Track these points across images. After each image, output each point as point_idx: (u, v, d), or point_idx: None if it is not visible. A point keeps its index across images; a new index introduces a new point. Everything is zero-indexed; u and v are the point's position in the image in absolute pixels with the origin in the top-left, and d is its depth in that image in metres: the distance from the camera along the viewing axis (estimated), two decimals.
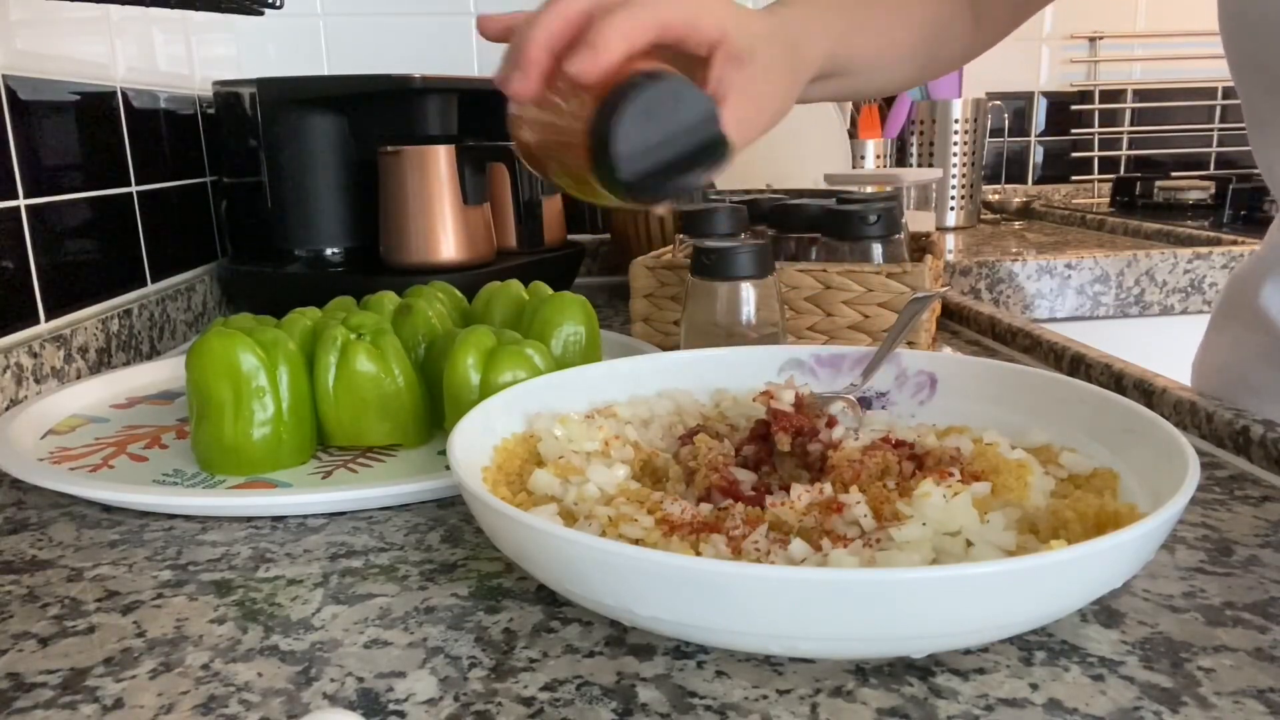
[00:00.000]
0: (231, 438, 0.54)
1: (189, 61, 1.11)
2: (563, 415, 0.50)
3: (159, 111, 0.99)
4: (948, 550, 0.37)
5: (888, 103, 1.64)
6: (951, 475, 0.41)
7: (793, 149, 1.36)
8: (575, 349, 0.63)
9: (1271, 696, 0.32)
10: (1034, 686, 0.33)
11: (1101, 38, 1.74)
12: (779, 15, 0.54)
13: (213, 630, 0.39)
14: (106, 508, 0.52)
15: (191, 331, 1.00)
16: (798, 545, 0.37)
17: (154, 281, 0.95)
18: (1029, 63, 1.75)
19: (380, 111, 0.98)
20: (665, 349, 0.69)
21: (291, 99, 0.98)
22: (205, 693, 0.34)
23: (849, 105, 1.58)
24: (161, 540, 0.48)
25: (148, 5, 0.69)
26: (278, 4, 0.76)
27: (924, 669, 0.34)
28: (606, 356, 0.64)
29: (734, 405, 0.55)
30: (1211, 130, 1.80)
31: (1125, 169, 1.80)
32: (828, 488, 0.41)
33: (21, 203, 0.74)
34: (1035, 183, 1.81)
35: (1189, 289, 1.24)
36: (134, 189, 0.92)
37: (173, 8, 0.71)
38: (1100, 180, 1.80)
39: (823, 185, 1.27)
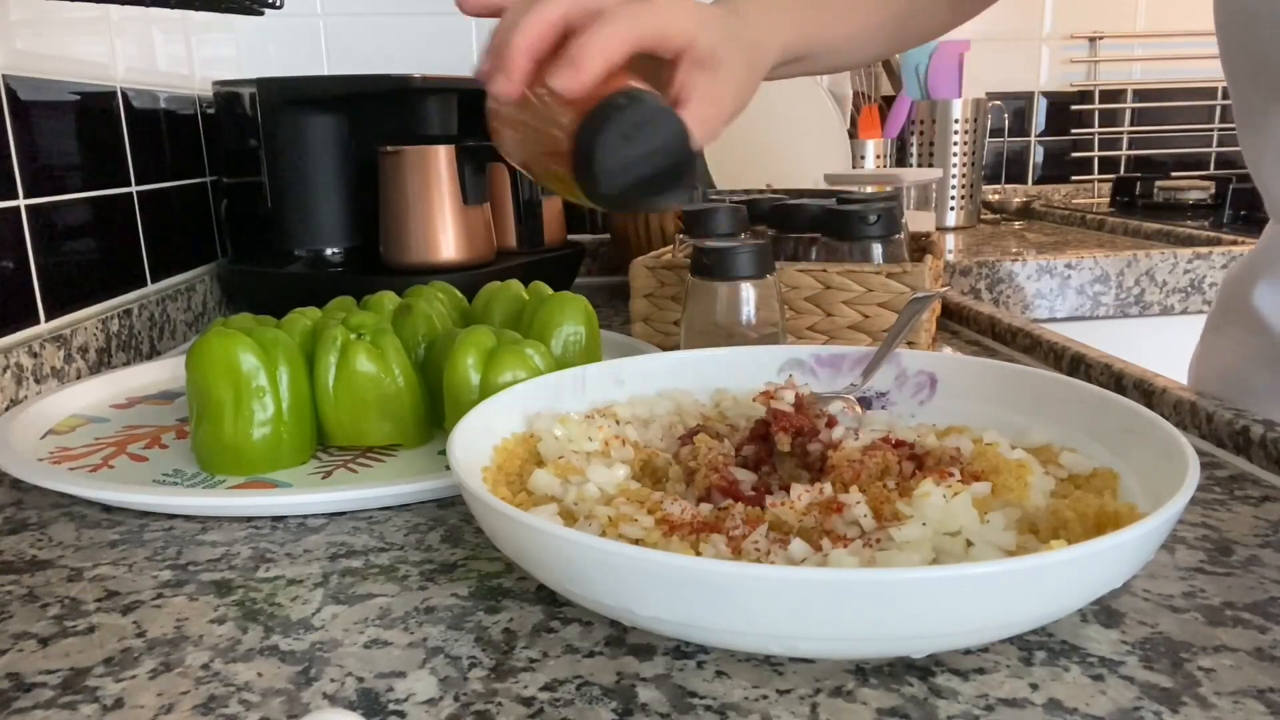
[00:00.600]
0: (231, 438, 0.54)
1: (189, 61, 1.11)
2: (563, 415, 0.50)
3: (159, 111, 0.99)
4: (948, 550, 0.37)
5: (888, 102, 1.64)
6: (951, 475, 0.41)
7: (793, 149, 1.37)
8: (575, 349, 0.63)
9: (1271, 696, 0.32)
10: (1034, 686, 0.33)
11: (1101, 38, 1.74)
12: (740, 15, 0.55)
13: (213, 630, 0.39)
14: (106, 508, 0.52)
15: (191, 331, 1.00)
16: (798, 545, 0.37)
17: (154, 281, 0.95)
18: (1029, 63, 1.75)
19: (380, 111, 0.97)
20: (665, 349, 0.69)
21: (291, 99, 0.98)
22: (205, 693, 0.34)
23: (849, 105, 1.58)
24: (161, 540, 0.48)
25: (148, 5, 0.69)
26: (278, 4, 0.76)
27: (924, 669, 0.34)
28: (606, 356, 0.64)
29: (734, 405, 0.55)
30: (1211, 130, 1.80)
31: (1125, 169, 1.80)
32: (828, 488, 0.41)
33: (21, 203, 0.74)
34: (1035, 183, 1.81)
35: (1189, 289, 1.24)
36: (134, 189, 0.92)
37: (173, 8, 0.71)
38: (1100, 180, 1.80)
39: (823, 185, 1.27)
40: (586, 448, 0.48)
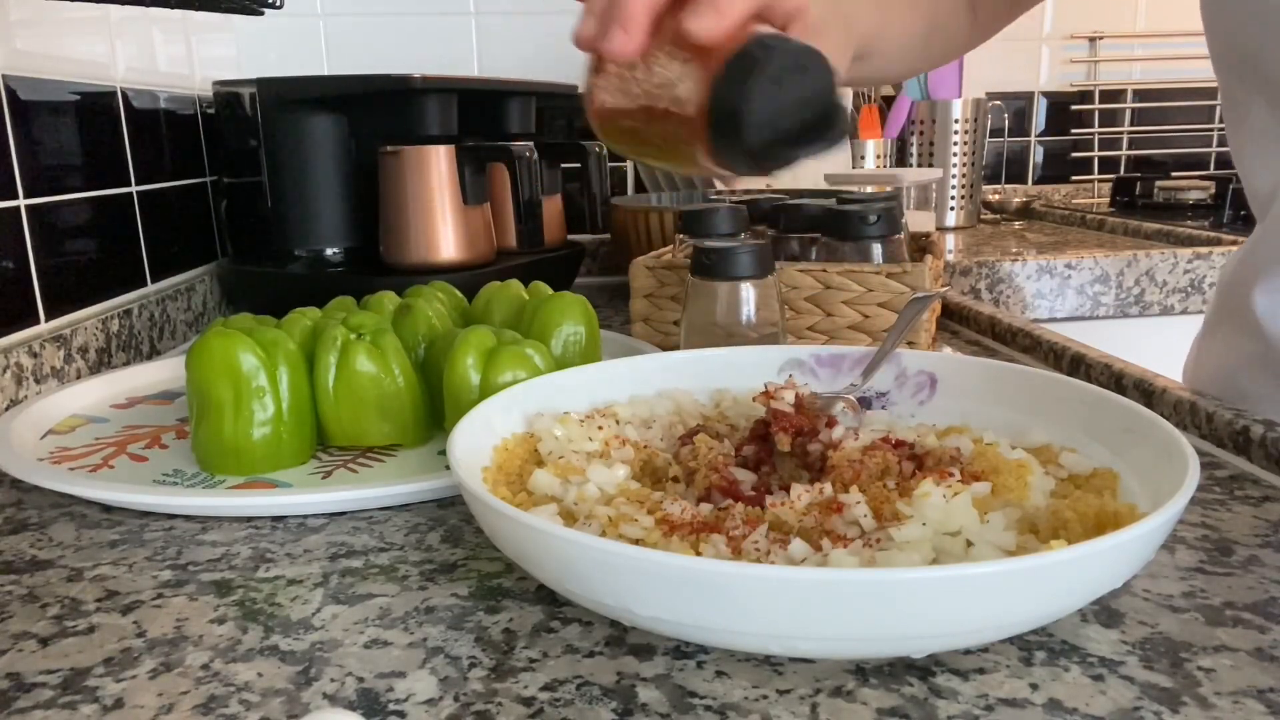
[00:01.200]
0: (231, 438, 0.54)
1: (189, 61, 1.11)
2: (563, 415, 0.50)
3: (159, 111, 0.99)
4: (948, 550, 0.37)
5: (887, 102, 1.64)
6: (951, 475, 0.41)
7: None
8: (575, 349, 0.63)
9: (1271, 696, 0.32)
10: (1034, 686, 0.33)
11: (1101, 38, 1.74)
12: None
13: (213, 630, 0.39)
14: (106, 508, 0.52)
15: (191, 331, 1.00)
16: (798, 545, 0.37)
17: (154, 281, 0.95)
18: (1029, 63, 1.75)
19: (380, 111, 0.97)
20: (665, 349, 0.69)
21: (291, 99, 0.98)
22: (205, 693, 0.34)
23: (849, 105, 1.58)
24: (161, 540, 0.48)
25: (148, 5, 0.69)
26: (278, 4, 0.76)
27: (924, 669, 0.34)
28: (606, 356, 0.64)
29: (734, 405, 0.55)
30: (1211, 130, 1.80)
31: (1125, 169, 1.80)
32: (828, 488, 0.41)
33: (21, 203, 0.74)
34: (1035, 183, 1.81)
35: (1189, 289, 1.24)
36: (134, 189, 0.92)
37: (173, 8, 0.71)
38: (1100, 180, 1.80)
39: (823, 185, 1.27)
40: (586, 448, 0.48)
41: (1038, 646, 0.36)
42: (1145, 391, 0.64)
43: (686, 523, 0.39)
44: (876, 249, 0.79)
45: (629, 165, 1.51)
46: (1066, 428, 0.48)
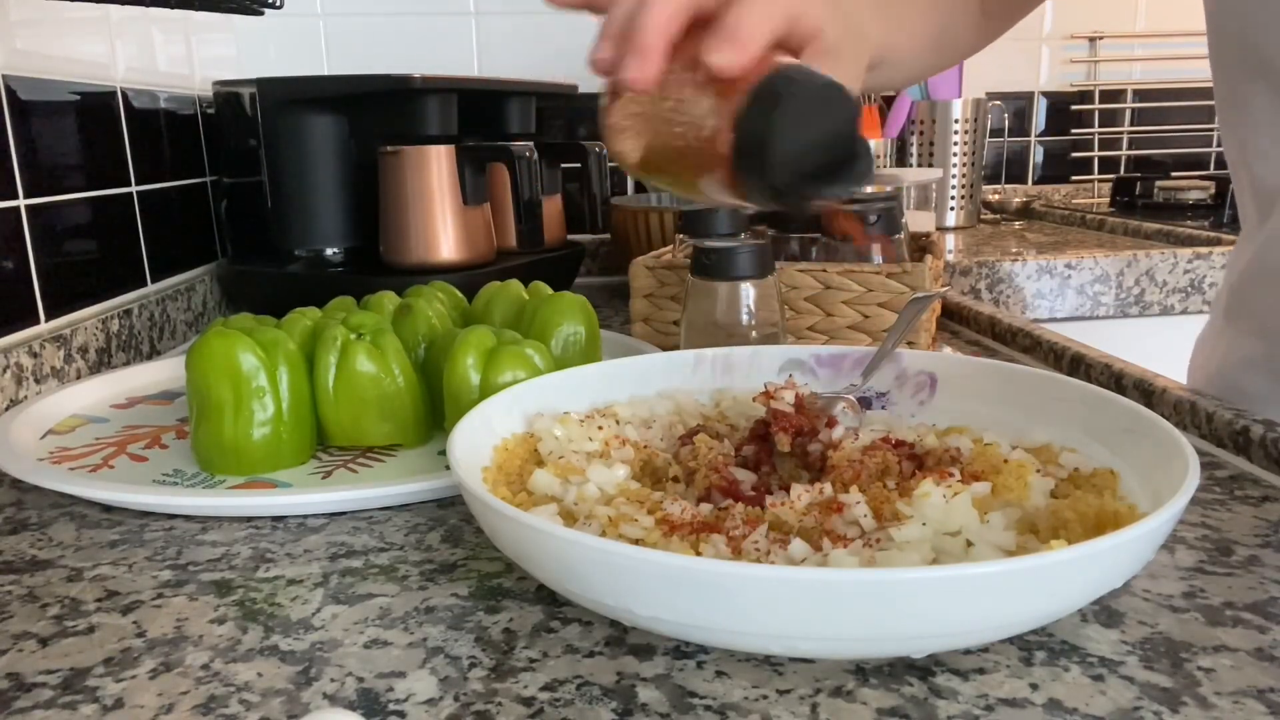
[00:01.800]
0: (231, 438, 0.54)
1: (189, 61, 1.11)
2: (563, 415, 0.50)
3: (159, 111, 0.99)
4: (948, 550, 0.37)
5: (888, 102, 1.64)
6: (951, 475, 0.41)
7: None
8: (575, 349, 0.63)
9: (1271, 696, 0.32)
10: (1034, 686, 0.33)
11: (1101, 38, 1.74)
12: (842, 6, 0.52)
13: (213, 630, 0.39)
14: (106, 508, 0.52)
15: (191, 331, 1.00)
16: (798, 545, 0.37)
17: (154, 281, 0.95)
18: (1029, 63, 1.75)
19: (380, 111, 0.97)
20: (665, 349, 0.69)
21: (291, 99, 0.98)
22: (205, 693, 0.34)
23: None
24: (161, 540, 0.48)
25: (148, 5, 0.69)
26: (278, 4, 0.76)
27: (924, 669, 0.34)
28: (606, 356, 0.64)
29: (734, 405, 0.55)
30: (1211, 130, 1.80)
31: (1125, 169, 1.80)
32: (828, 488, 0.41)
33: (21, 203, 0.74)
34: (1035, 183, 1.81)
35: (1189, 289, 1.24)
36: (134, 189, 0.92)
37: (173, 8, 0.70)
38: (1100, 180, 1.80)
39: None
40: (586, 448, 0.47)
41: (1038, 646, 0.36)
42: (1145, 391, 0.64)
43: (686, 523, 0.39)
44: (876, 249, 0.79)
45: None
46: (1066, 428, 0.48)
